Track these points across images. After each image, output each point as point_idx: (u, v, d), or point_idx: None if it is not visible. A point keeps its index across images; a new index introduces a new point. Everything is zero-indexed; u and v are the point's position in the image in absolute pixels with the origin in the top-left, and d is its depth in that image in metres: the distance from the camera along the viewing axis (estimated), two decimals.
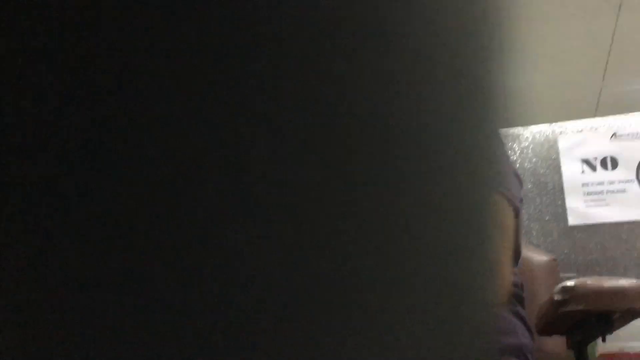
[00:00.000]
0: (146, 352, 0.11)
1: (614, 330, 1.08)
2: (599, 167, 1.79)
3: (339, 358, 0.13)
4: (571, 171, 1.81)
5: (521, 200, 0.85)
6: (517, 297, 0.93)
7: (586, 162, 1.80)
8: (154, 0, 0.11)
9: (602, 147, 1.82)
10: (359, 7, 0.13)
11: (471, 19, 0.17)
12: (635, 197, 1.74)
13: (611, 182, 1.76)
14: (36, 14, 0.12)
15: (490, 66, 0.19)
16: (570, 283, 1.03)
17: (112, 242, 0.12)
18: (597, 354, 1.49)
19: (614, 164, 1.78)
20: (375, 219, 0.14)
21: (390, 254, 0.14)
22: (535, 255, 1.39)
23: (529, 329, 0.91)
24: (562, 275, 1.40)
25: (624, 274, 1.70)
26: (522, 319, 0.91)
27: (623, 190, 1.75)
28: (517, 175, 0.92)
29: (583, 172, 1.80)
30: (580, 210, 1.77)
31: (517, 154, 1.89)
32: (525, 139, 1.90)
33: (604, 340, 1.06)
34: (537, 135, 1.89)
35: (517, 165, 1.89)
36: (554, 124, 1.92)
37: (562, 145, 1.86)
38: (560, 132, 1.89)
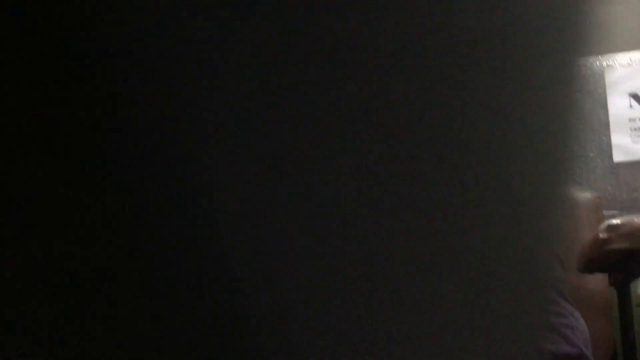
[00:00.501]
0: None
1: None
2: None
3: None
4: (618, 106, 1.75)
5: None
6: None
7: (634, 96, 1.74)
8: None
9: None
10: None
11: None
12: None
13: None
14: None
15: None
16: (616, 221, 1.02)
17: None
18: (639, 293, 1.48)
19: None
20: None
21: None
22: (579, 193, 1.38)
23: (560, 260, 0.92)
24: (605, 212, 1.39)
25: None
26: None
27: None
28: None
29: (631, 106, 1.74)
30: (626, 146, 1.72)
31: None
32: None
33: None
34: (584, 68, 1.82)
35: None
36: (601, 56, 1.84)
37: (609, 79, 1.79)
38: (608, 65, 1.82)
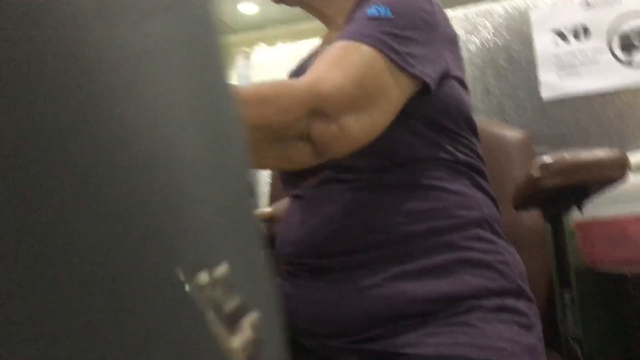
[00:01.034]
0: None
1: (589, 199, 1.11)
2: (571, 37, 1.77)
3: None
4: (543, 44, 1.79)
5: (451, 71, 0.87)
6: (476, 170, 0.95)
7: (558, 33, 1.77)
8: None
9: (574, 16, 1.79)
10: None
11: None
12: (607, 67, 1.74)
13: (583, 52, 1.75)
14: None
15: None
16: (548, 159, 1.04)
17: None
18: (571, 223, 1.55)
19: (586, 33, 1.76)
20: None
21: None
22: (509, 132, 1.41)
23: (492, 199, 0.94)
24: (535, 148, 1.43)
25: (596, 145, 1.74)
26: (483, 190, 0.93)
27: (595, 60, 1.74)
28: (454, 43, 0.93)
29: (556, 44, 1.77)
30: (553, 83, 1.77)
31: (490, 30, 1.84)
32: (497, 14, 1.85)
33: (580, 210, 1.10)
34: (510, 10, 1.84)
35: (490, 43, 1.86)
36: None
37: (534, 17, 1.81)
38: (531, 4, 1.85)
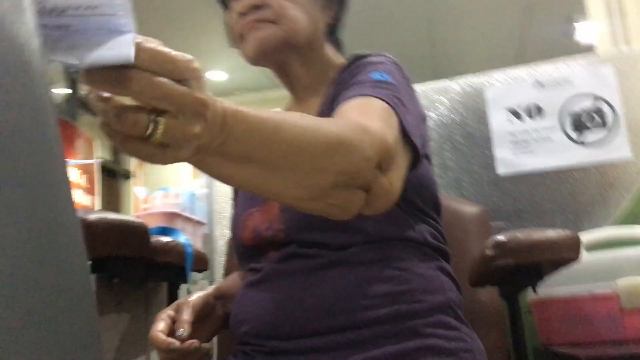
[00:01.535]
0: None
1: (544, 279, 1.11)
2: (524, 115, 1.83)
3: None
4: (498, 121, 1.84)
5: (425, 144, 0.85)
6: (442, 253, 0.93)
7: (512, 112, 1.83)
8: None
9: (526, 96, 1.85)
10: None
11: None
12: (560, 145, 1.79)
13: (536, 130, 1.80)
14: None
15: None
16: (501, 238, 1.04)
17: None
18: (528, 300, 1.55)
19: (539, 111, 1.82)
20: None
21: None
22: (466, 207, 1.41)
23: (456, 284, 0.92)
24: (492, 223, 1.43)
25: (551, 221, 1.76)
26: (448, 275, 0.91)
27: (548, 138, 1.79)
28: (422, 119, 0.92)
29: (509, 121, 1.83)
30: (509, 159, 1.81)
31: (447, 106, 1.89)
32: (454, 91, 1.91)
33: (534, 290, 1.09)
34: (465, 87, 1.90)
35: (447, 119, 1.90)
36: (480, 74, 1.93)
37: (488, 95, 1.87)
38: (487, 83, 1.91)
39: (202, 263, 1.50)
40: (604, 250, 1.49)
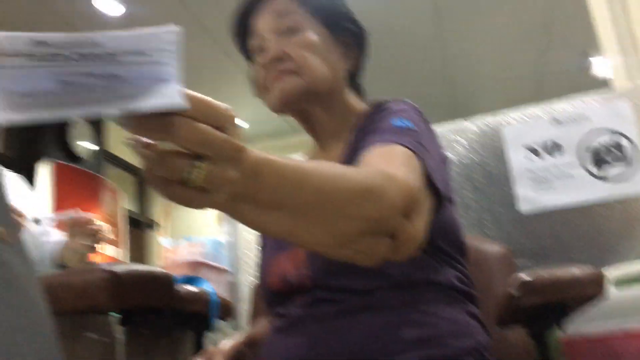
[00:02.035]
0: None
1: (570, 316, 1.10)
2: (543, 152, 1.83)
3: None
4: (517, 159, 1.84)
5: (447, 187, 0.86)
6: (469, 296, 0.93)
7: (530, 149, 1.84)
8: None
9: (544, 133, 1.86)
10: None
11: None
12: (581, 180, 1.78)
13: (556, 167, 1.80)
14: None
15: None
16: (526, 277, 1.04)
17: None
18: (558, 339, 1.52)
19: (558, 149, 1.82)
20: None
21: None
22: (490, 246, 1.41)
23: (484, 327, 0.92)
24: (517, 262, 1.42)
25: (576, 257, 1.74)
26: (476, 318, 0.91)
27: (569, 174, 1.79)
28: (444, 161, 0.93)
29: (528, 159, 1.83)
30: (530, 197, 1.80)
31: (466, 147, 1.90)
32: (471, 131, 1.92)
33: (560, 328, 1.08)
34: (483, 127, 1.91)
35: (466, 159, 1.91)
36: (497, 114, 1.94)
37: (506, 134, 1.88)
38: (504, 122, 1.92)
39: (227, 311, 1.51)
40: (633, 285, 1.46)
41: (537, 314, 1.11)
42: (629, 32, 2.45)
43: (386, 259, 0.69)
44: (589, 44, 4.06)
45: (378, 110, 0.95)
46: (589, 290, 1.02)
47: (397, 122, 0.85)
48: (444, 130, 1.94)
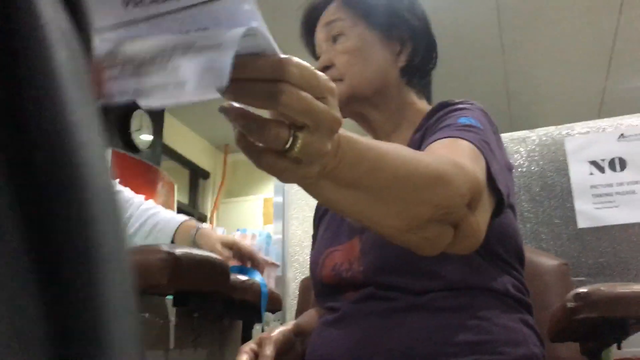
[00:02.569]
0: None
1: (629, 336, 1.06)
2: (607, 168, 1.77)
3: None
4: (579, 173, 1.80)
5: (508, 195, 0.84)
6: (525, 305, 0.91)
7: (594, 163, 1.79)
8: None
9: (609, 148, 1.81)
10: None
11: None
12: None
13: (620, 184, 1.75)
14: None
15: None
16: (583, 290, 1.01)
17: None
18: (613, 359, 1.47)
19: (622, 165, 1.76)
20: None
21: None
22: (546, 260, 1.38)
23: (539, 337, 0.90)
24: (573, 279, 1.39)
25: (636, 276, 1.68)
26: (531, 328, 0.89)
27: (632, 192, 1.73)
28: (509, 168, 0.91)
29: (591, 173, 1.78)
30: (590, 212, 1.75)
31: (524, 157, 1.87)
32: (532, 141, 1.88)
33: (619, 347, 1.05)
34: (544, 138, 1.88)
35: (525, 168, 1.87)
36: (560, 126, 1.90)
37: (569, 147, 1.84)
38: (567, 134, 1.88)
39: (275, 303, 1.53)
40: None
41: (594, 331, 1.08)
42: None
43: (447, 249, 0.68)
44: None
45: (444, 109, 0.94)
46: None
47: (463, 120, 0.84)
48: (504, 139, 1.91)
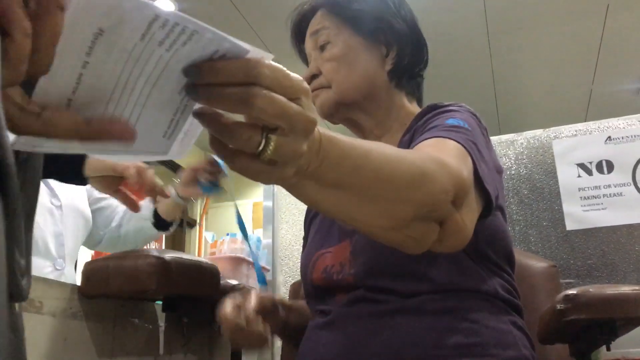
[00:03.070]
0: None
1: (618, 337, 1.07)
2: (594, 171, 1.79)
3: None
4: (567, 176, 1.81)
5: (497, 197, 0.84)
6: (514, 307, 0.91)
7: (581, 166, 1.80)
8: None
9: (597, 151, 1.82)
10: None
11: None
12: (632, 200, 1.74)
13: (607, 186, 1.76)
14: None
15: None
16: (572, 292, 1.02)
17: None
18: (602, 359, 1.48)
19: (610, 167, 1.78)
20: None
21: None
22: (535, 262, 1.39)
23: (529, 339, 0.90)
24: (562, 281, 1.39)
25: (623, 278, 1.70)
26: (521, 330, 0.89)
27: (620, 194, 1.75)
28: (499, 171, 0.91)
29: (579, 176, 1.79)
30: (578, 215, 1.77)
31: (513, 160, 1.88)
32: (520, 144, 1.90)
33: (608, 348, 1.05)
34: (532, 141, 1.89)
35: (513, 171, 1.88)
36: (548, 129, 1.91)
37: (556, 150, 1.85)
38: (555, 137, 1.89)
39: None
40: None
41: (583, 332, 1.08)
42: None
43: (433, 247, 0.68)
44: None
45: (433, 111, 0.95)
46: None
47: (451, 121, 0.84)
48: (492, 142, 1.92)
